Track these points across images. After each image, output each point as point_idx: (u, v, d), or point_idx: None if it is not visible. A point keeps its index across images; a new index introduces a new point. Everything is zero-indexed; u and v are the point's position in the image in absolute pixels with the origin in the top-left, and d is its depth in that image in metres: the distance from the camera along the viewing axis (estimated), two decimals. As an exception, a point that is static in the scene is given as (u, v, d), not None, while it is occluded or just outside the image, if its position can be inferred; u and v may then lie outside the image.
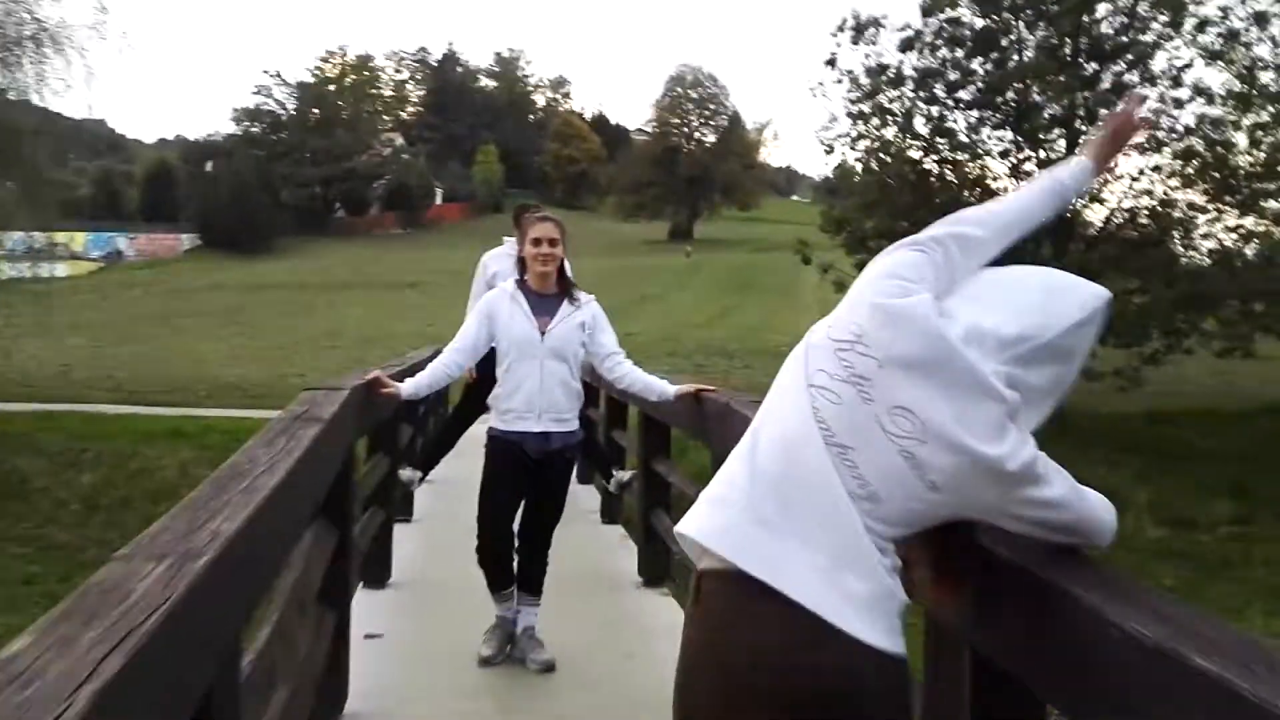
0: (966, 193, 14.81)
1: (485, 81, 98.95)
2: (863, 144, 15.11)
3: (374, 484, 3.62)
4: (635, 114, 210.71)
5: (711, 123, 77.10)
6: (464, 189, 78.24)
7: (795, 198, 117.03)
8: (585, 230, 69.08)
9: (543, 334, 3.37)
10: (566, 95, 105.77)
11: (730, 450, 1.33)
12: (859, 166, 14.86)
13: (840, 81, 14.69)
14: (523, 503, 3.56)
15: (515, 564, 3.55)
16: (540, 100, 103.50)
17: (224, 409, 14.17)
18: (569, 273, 3.92)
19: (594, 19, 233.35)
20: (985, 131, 14.51)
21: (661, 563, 4.25)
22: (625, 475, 4.77)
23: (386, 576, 4.12)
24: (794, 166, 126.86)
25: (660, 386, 3.57)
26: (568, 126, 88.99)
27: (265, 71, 76.76)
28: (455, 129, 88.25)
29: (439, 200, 75.68)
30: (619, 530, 5.57)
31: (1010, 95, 14.40)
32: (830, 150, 14.86)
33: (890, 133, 14.43)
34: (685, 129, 76.22)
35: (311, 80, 73.09)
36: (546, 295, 3.47)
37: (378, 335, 27.71)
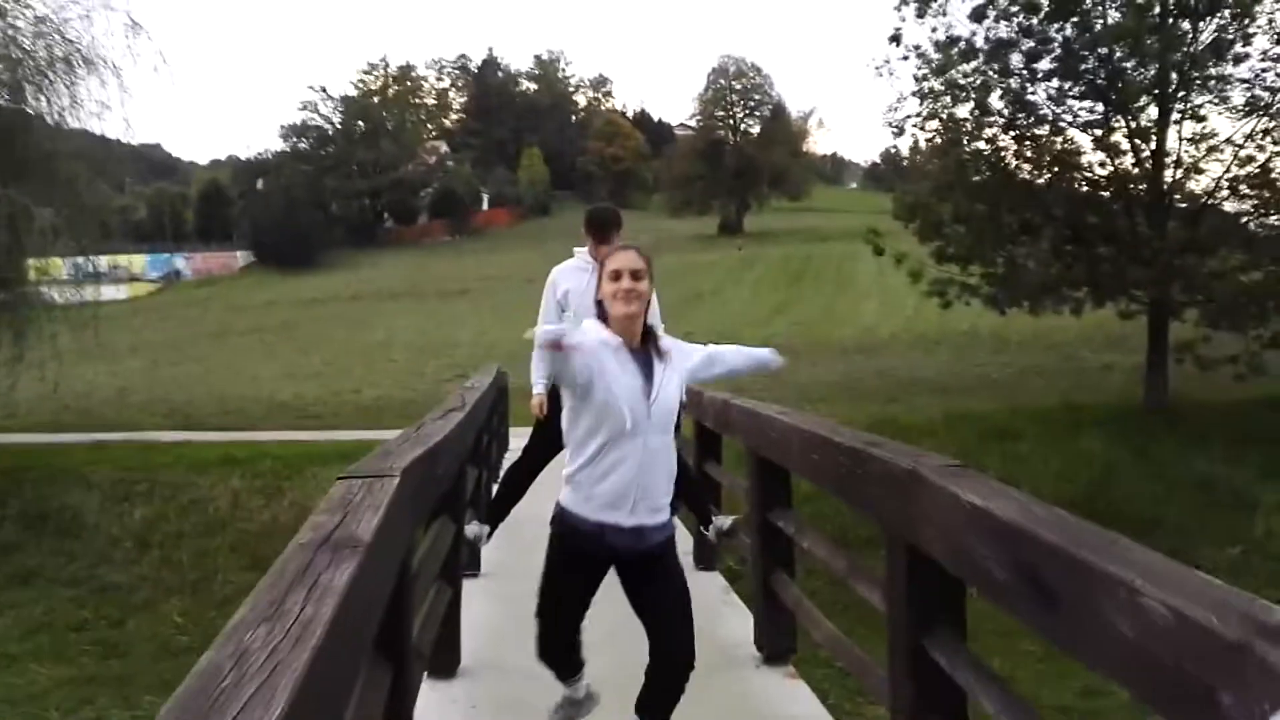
0: (1047, 171, 13.81)
1: (526, 84, 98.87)
2: (933, 124, 14.17)
3: (440, 557, 2.93)
4: (677, 109, 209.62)
5: (756, 113, 75.94)
6: (510, 193, 78.17)
7: (850, 185, 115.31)
8: (633, 228, 68.18)
9: (650, 403, 2.55)
10: (608, 94, 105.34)
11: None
12: (931, 147, 13.91)
13: (907, 58, 13.79)
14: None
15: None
16: (582, 100, 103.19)
17: (277, 431, 13.79)
18: (656, 313, 3.22)
19: (632, 17, 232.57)
20: (1068, 103, 13.49)
21: (786, 636, 3.47)
22: (726, 521, 4.05)
23: (456, 662, 3.39)
24: (840, 153, 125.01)
25: (763, 355, 2.95)
26: (610, 125, 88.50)
27: (310, 87, 77.47)
28: (499, 133, 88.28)
29: (486, 205, 75.71)
30: (718, 580, 4.77)
31: (1093, 62, 13.36)
32: (899, 132, 13.96)
33: (964, 110, 13.48)
34: (730, 121, 75.17)
35: (355, 93, 73.61)
36: (633, 349, 2.64)
37: (431, 345, 27.38)
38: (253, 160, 72.20)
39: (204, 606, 8.30)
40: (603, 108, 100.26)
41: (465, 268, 49.92)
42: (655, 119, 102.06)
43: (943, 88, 13.71)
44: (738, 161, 69.73)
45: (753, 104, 75.90)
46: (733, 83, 75.75)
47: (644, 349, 2.64)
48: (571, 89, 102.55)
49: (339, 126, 71.61)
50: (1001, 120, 13.71)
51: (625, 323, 2.59)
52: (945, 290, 13.73)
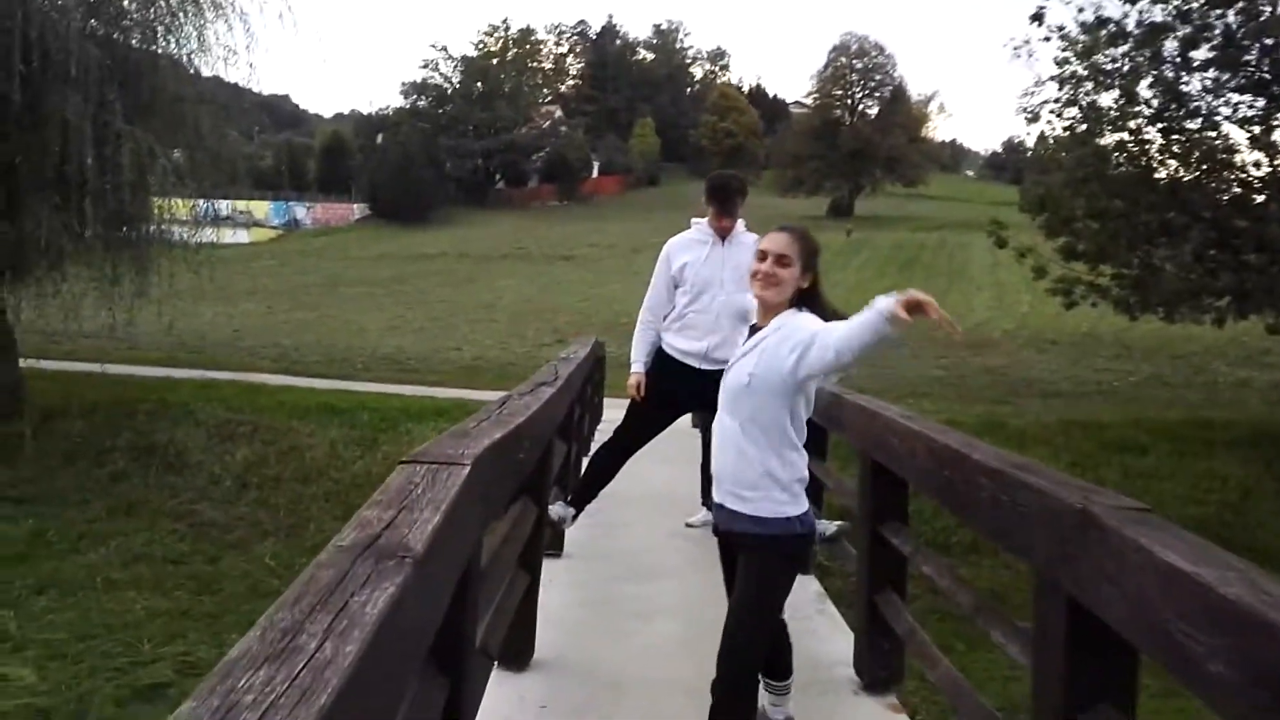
0: (1195, 168, 12.79)
1: (643, 54, 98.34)
2: (1072, 111, 13.27)
3: (520, 542, 2.71)
4: (794, 86, 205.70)
5: (876, 94, 73.78)
6: (620, 162, 78.12)
7: (966, 173, 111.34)
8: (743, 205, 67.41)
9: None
10: (725, 67, 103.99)
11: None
12: (1067, 136, 13.03)
13: (1049, 39, 12.91)
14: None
15: None
16: (698, 72, 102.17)
17: (376, 384, 13.99)
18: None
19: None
20: (1225, 96, 12.42)
21: (891, 664, 3.11)
22: (830, 527, 3.74)
23: (529, 654, 3.17)
24: (960, 141, 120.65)
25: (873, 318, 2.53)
26: (725, 99, 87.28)
27: (432, 45, 78.78)
28: (613, 101, 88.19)
29: (595, 173, 75.85)
30: (813, 585, 4.41)
31: (1256, 54, 12.26)
32: (1034, 118, 13.10)
33: (1109, 98, 12.55)
34: (848, 101, 73.24)
35: (475, 54, 74.42)
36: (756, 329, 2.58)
37: (533, 309, 27.55)
38: (374, 116, 73.89)
39: (295, 551, 8.43)
40: (718, 81, 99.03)
41: (572, 234, 50.13)
42: (770, 95, 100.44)
43: (1086, 72, 12.81)
44: (853, 143, 67.94)
45: (873, 84, 73.73)
46: (853, 61, 73.66)
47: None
48: (688, 60, 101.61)
49: (457, 86, 72.59)
50: (1149, 111, 12.73)
51: (759, 304, 2.52)
52: (1071, 290, 12.90)
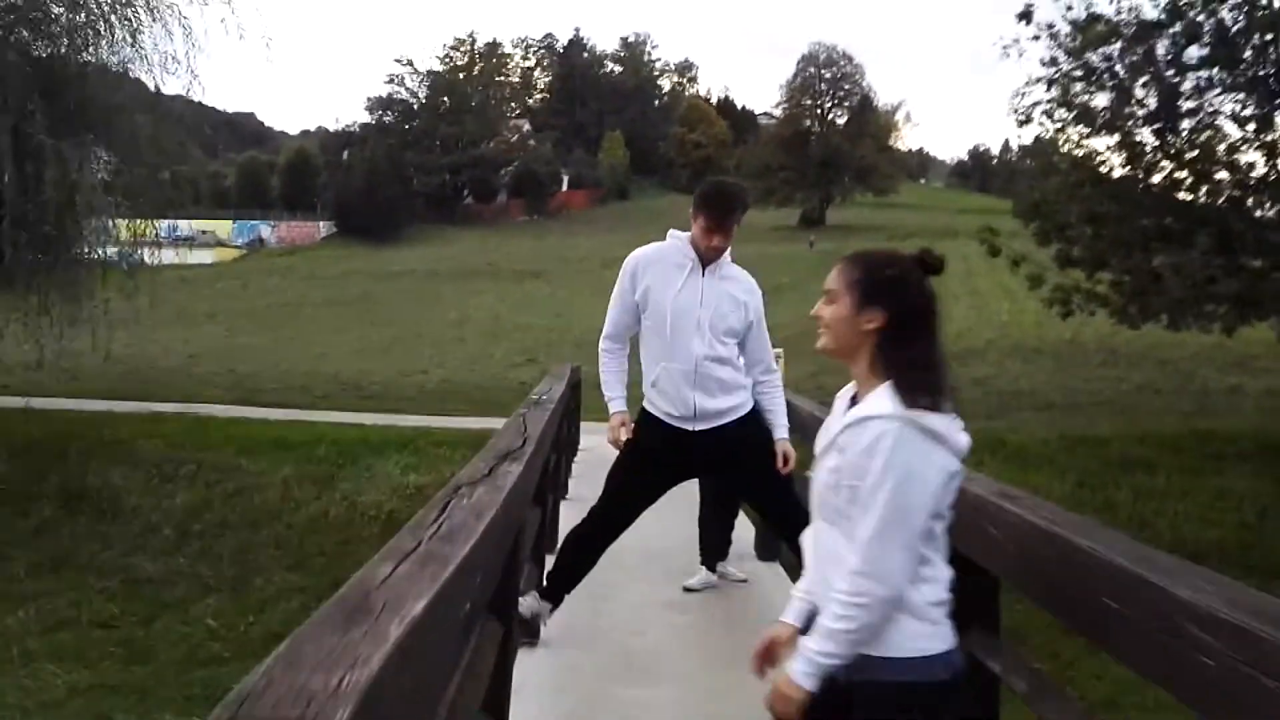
0: (1189, 170, 12.28)
1: (611, 66, 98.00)
2: (1061, 112, 12.74)
3: (482, 681, 1.94)
4: (761, 97, 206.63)
5: (845, 104, 73.89)
6: (590, 175, 77.58)
7: (932, 182, 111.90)
8: (712, 216, 67.08)
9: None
10: (693, 79, 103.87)
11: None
12: (1060, 138, 12.49)
13: (1038, 37, 12.37)
14: None
15: None
16: (666, 85, 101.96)
17: (337, 411, 13.13)
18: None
19: (718, 2, 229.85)
20: (1221, 94, 11.93)
21: None
22: None
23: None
24: (927, 150, 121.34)
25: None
26: (694, 110, 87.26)
27: (397, 60, 77.77)
28: (581, 115, 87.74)
29: (565, 187, 75.24)
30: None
31: (1250, 52, 11.80)
32: (1026, 120, 12.54)
33: (1102, 98, 12.03)
34: (817, 110, 73.26)
35: (441, 69, 73.67)
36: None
37: (503, 327, 26.75)
38: (340, 132, 72.83)
39: (240, 609, 7.58)
40: (687, 93, 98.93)
41: (541, 249, 49.39)
42: (739, 106, 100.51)
43: (1080, 72, 12.28)
44: (823, 152, 67.88)
45: (841, 94, 73.86)
46: (822, 71, 73.78)
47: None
48: (656, 73, 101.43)
49: (424, 101, 71.80)
50: (1143, 111, 12.22)
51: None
52: (1069, 298, 12.32)
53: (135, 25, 9.90)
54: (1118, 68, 12.35)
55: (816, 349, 1.75)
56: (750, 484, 3.53)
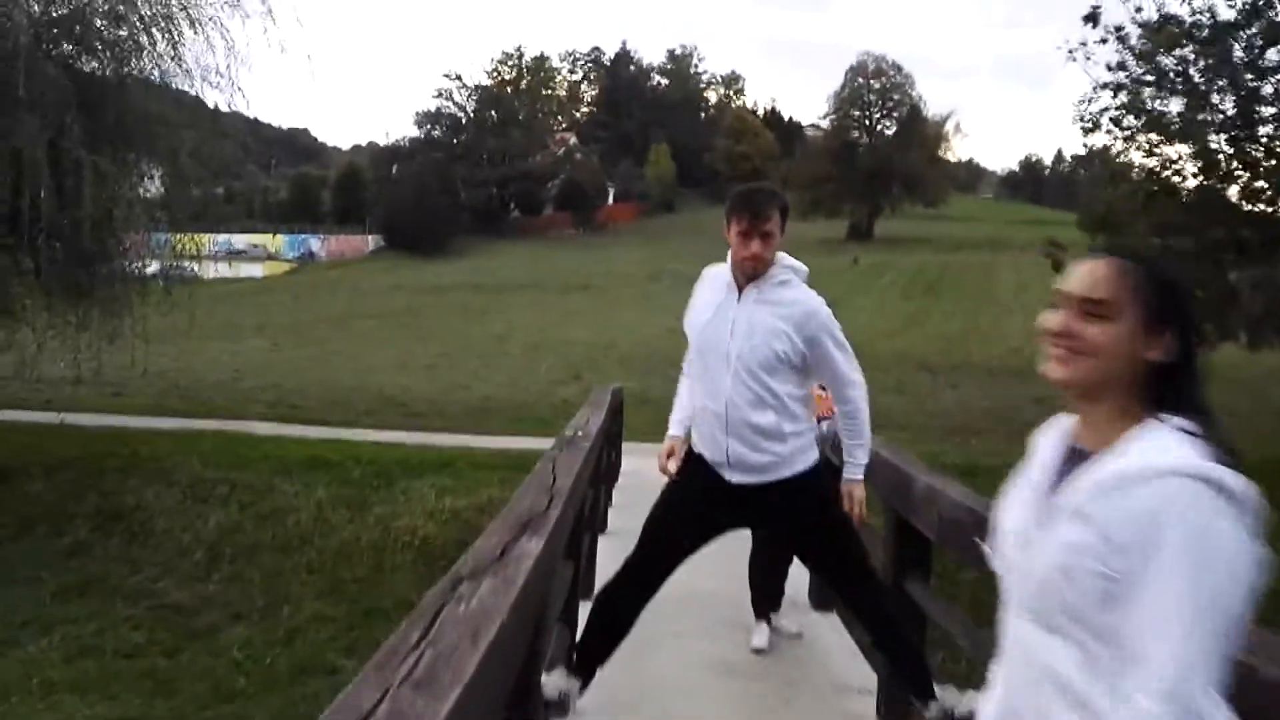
0: (1266, 181, 11.57)
1: (658, 79, 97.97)
2: (1130, 119, 12.11)
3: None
4: (808, 109, 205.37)
5: (893, 114, 72.92)
6: (636, 188, 77.44)
7: (982, 194, 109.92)
8: (759, 229, 66.42)
9: None
10: (739, 91, 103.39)
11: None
12: (1131, 148, 11.86)
13: (1105, 40, 11.76)
14: None
15: None
16: (713, 97, 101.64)
17: (378, 430, 12.89)
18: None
19: (766, 13, 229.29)
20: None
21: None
22: (960, 702, 2.53)
23: None
24: (976, 161, 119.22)
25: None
26: (740, 123, 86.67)
27: (445, 75, 78.43)
28: (628, 127, 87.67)
29: (611, 200, 75.19)
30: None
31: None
32: (1094, 127, 11.92)
33: (1176, 104, 11.39)
34: (865, 121, 72.39)
35: (489, 82, 74.17)
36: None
37: (548, 341, 26.51)
38: (389, 146, 73.64)
39: (268, 640, 7.30)
40: (733, 105, 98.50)
41: (588, 262, 49.23)
42: (785, 118, 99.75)
43: (1151, 77, 11.67)
44: (871, 163, 66.96)
45: (890, 104, 72.89)
46: (871, 81, 72.89)
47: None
48: (703, 85, 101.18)
49: (472, 115, 72.33)
50: (1219, 117, 11.55)
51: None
52: (1140, 316, 11.64)
53: (176, 37, 9.78)
54: (1191, 71, 11.71)
55: (1058, 379, 1.24)
56: (803, 545, 3.01)
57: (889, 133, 71.38)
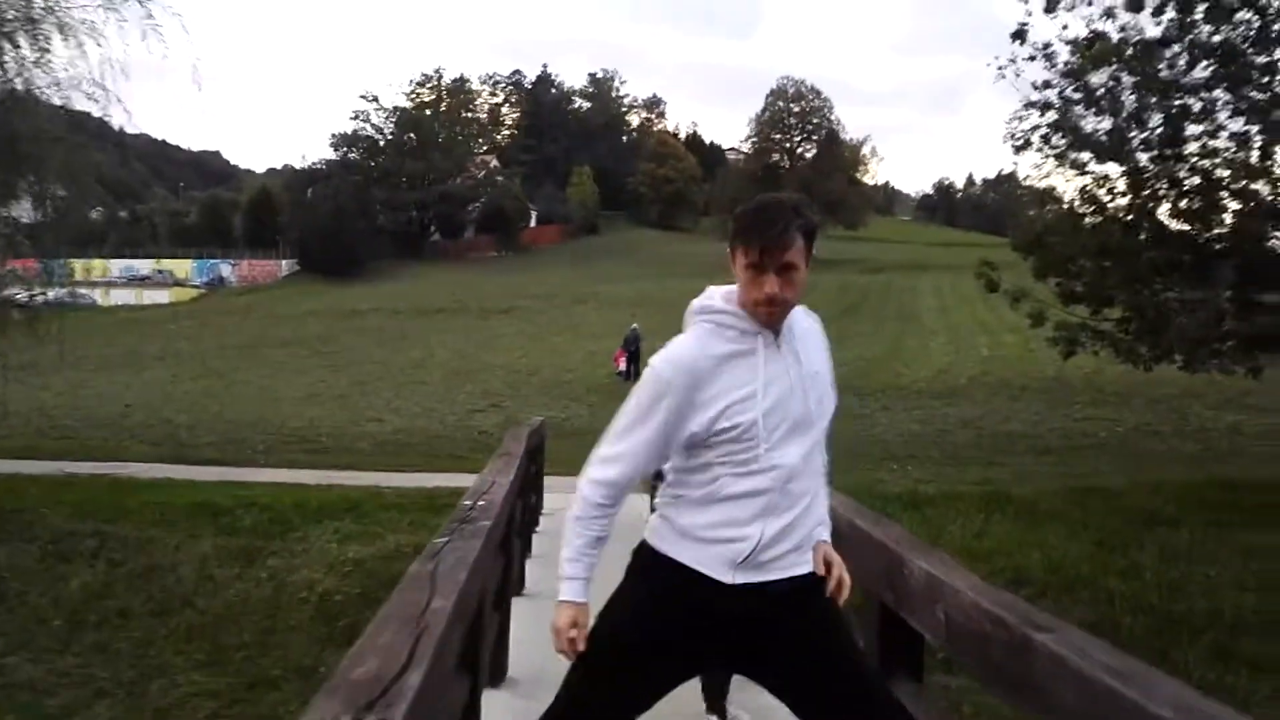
0: (1195, 200, 11.47)
1: (579, 102, 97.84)
2: (1058, 139, 11.94)
3: None
4: (729, 133, 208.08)
5: (813, 138, 74.17)
6: (559, 211, 76.95)
7: (898, 216, 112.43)
8: (682, 251, 66.83)
9: None
10: (660, 114, 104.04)
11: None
12: (1061, 168, 11.65)
13: (1034, 58, 11.57)
14: None
15: None
16: (634, 120, 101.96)
17: (278, 469, 11.89)
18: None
19: (686, 39, 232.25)
20: (1224, 117, 11.17)
21: None
22: None
23: None
24: (892, 184, 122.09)
25: None
26: (662, 146, 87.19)
27: (362, 96, 76.76)
28: (550, 150, 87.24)
29: (534, 222, 74.51)
30: None
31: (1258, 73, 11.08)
32: (1024, 145, 11.70)
33: (1106, 123, 11.23)
34: (786, 145, 73.40)
35: (407, 104, 72.89)
36: None
37: (468, 367, 25.58)
38: (305, 169, 71.64)
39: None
40: (655, 128, 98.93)
41: (511, 285, 48.33)
42: (707, 141, 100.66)
43: (1078, 95, 11.51)
44: (792, 186, 67.74)
45: (810, 127, 74.13)
46: (791, 104, 74.00)
47: None
48: (624, 109, 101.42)
49: (389, 137, 70.94)
50: (1146, 135, 11.43)
51: None
52: (1076, 338, 11.39)
53: (43, 43, 8.77)
54: (1119, 90, 11.58)
55: None
56: (818, 681, 1.94)
57: (809, 155, 72.49)
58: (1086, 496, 10.71)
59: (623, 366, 24.02)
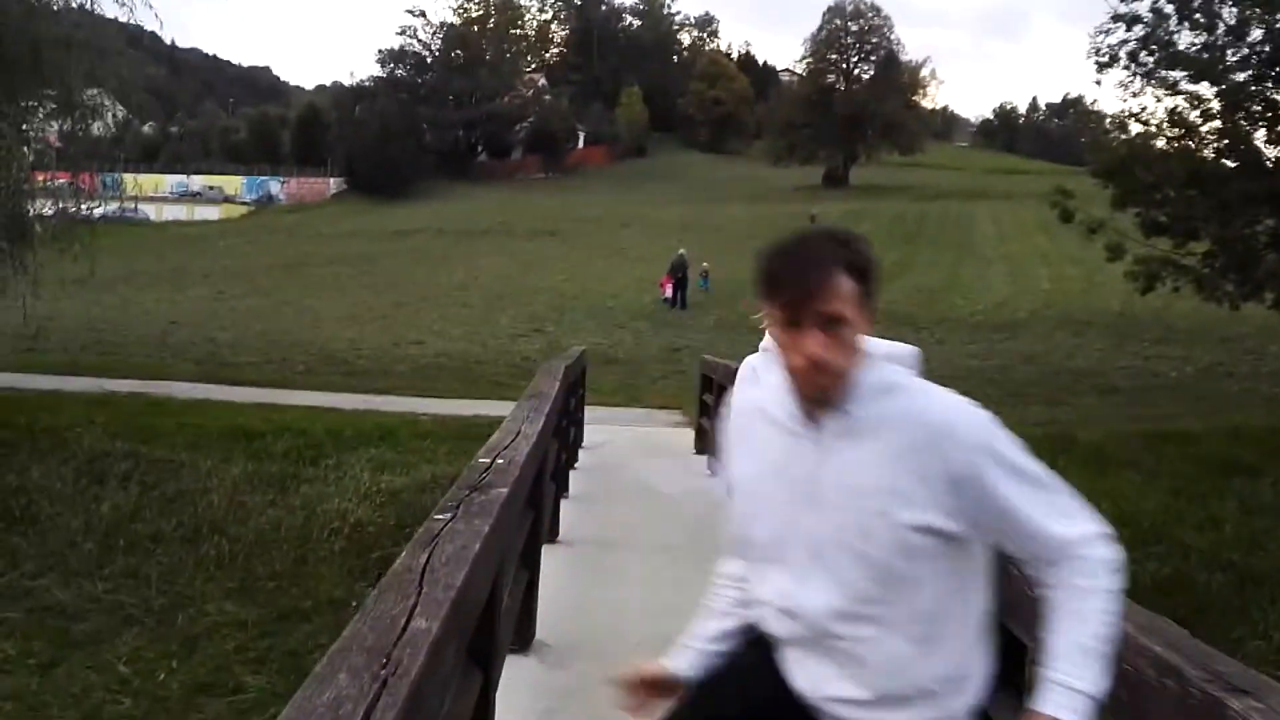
0: None
1: (630, 20, 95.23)
2: (1147, 55, 10.98)
3: None
4: (782, 54, 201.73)
5: (871, 59, 71.26)
6: (607, 132, 75.47)
7: (956, 142, 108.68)
8: (732, 175, 65.36)
9: None
10: (713, 34, 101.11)
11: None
12: (1144, 90, 10.72)
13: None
14: None
15: None
16: (686, 39, 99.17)
17: (314, 392, 11.68)
18: None
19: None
20: None
21: None
22: None
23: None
24: (951, 109, 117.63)
25: None
26: (714, 66, 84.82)
27: (409, 11, 75.18)
28: (599, 70, 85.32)
29: (581, 143, 73.25)
30: None
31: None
32: (1110, 61, 10.76)
33: (1200, 39, 10.26)
34: (843, 66, 70.68)
35: (455, 20, 71.45)
36: None
37: (511, 290, 25.21)
38: (353, 86, 70.90)
39: (162, 650, 6.16)
40: (706, 48, 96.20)
41: (557, 207, 47.66)
42: (760, 62, 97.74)
43: (1171, 7, 10.53)
44: (848, 109, 65.48)
45: (868, 48, 71.20)
46: (849, 24, 71.06)
47: None
48: (676, 27, 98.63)
49: (436, 54, 69.76)
50: (1245, 54, 10.44)
51: None
52: (1158, 274, 10.61)
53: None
54: (1216, 3, 10.57)
55: None
56: None
57: (866, 77, 69.84)
58: (1159, 442, 10.09)
59: (669, 293, 23.49)
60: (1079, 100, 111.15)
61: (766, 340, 1.49)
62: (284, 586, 6.95)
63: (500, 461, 2.24)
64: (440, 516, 1.69)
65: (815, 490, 1.33)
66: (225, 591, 6.86)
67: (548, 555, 4.20)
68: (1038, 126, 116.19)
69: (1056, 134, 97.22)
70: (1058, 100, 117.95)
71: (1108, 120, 15.79)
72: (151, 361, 13.35)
